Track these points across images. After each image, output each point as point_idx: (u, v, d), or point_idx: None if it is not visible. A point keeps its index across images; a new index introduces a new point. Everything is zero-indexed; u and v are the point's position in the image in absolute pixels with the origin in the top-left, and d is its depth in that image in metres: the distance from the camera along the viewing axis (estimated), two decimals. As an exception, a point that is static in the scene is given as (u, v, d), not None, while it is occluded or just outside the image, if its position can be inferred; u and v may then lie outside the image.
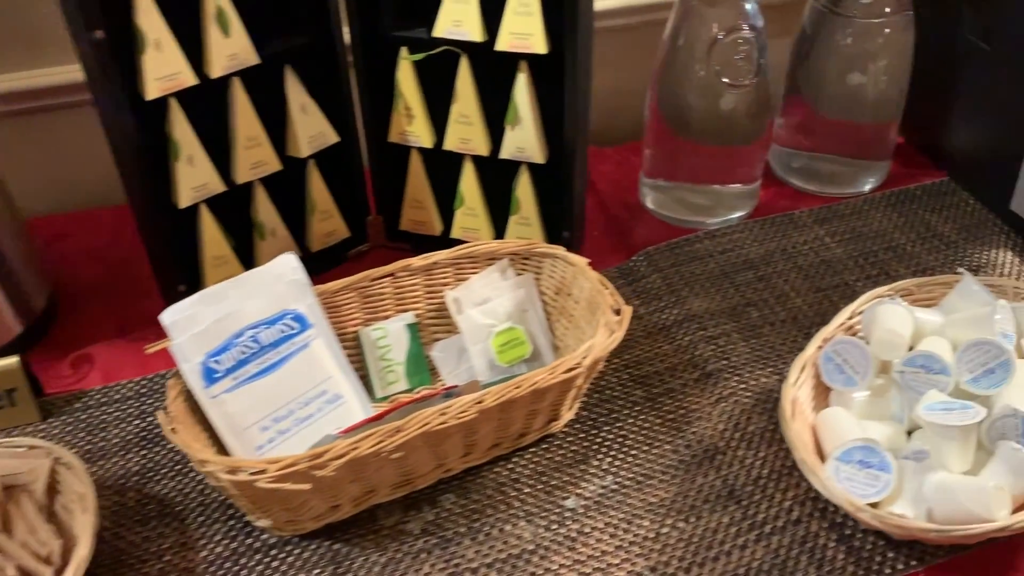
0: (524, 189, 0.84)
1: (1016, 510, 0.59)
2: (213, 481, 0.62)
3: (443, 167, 0.86)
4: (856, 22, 0.88)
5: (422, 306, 0.76)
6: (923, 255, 0.88)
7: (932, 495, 0.58)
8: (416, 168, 0.86)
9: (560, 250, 0.76)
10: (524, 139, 0.80)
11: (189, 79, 0.72)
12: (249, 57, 0.75)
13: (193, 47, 0.72)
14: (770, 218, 0.93)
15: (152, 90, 0.71)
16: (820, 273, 0.86)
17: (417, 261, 0.75)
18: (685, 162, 0.91)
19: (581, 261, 0.74)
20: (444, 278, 0.76)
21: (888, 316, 0.68)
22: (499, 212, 0.87)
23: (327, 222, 0.87)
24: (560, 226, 0.85)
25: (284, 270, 0.69)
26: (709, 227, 0.92)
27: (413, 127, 0.83)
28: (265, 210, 0.82)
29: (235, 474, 0.58)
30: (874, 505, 0.60)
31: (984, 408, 0.62)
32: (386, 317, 0.75)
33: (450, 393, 0.64)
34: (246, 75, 0.76)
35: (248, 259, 0.84)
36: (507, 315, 0.75)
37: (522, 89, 0.78)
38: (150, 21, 0.68)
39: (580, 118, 0.78)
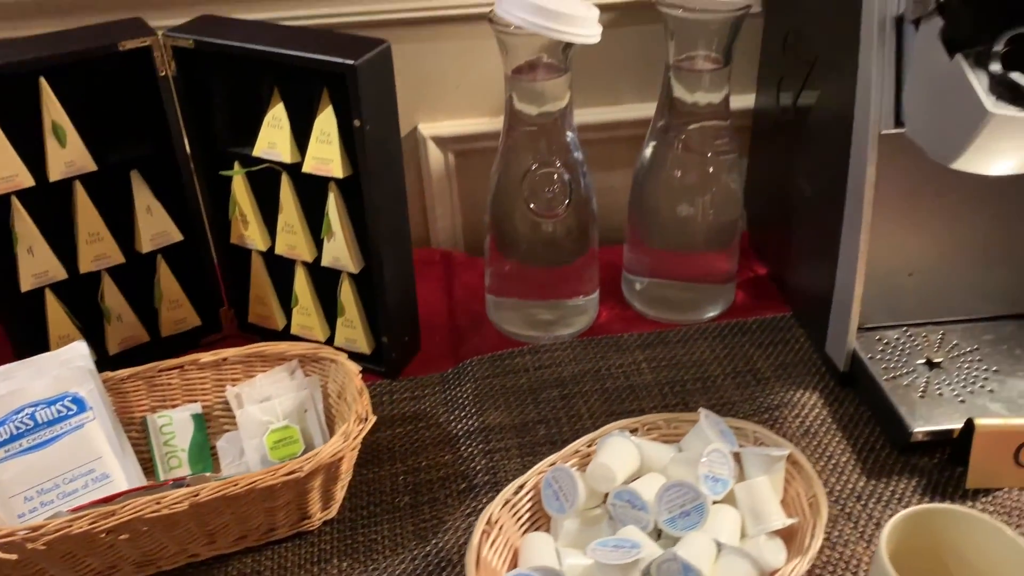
0: (347, 295, 0.90)
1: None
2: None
3: (279, 269, 0.93)
4: (685, 156, 0.92)
5: (212, 398, 0.83)
6: (729, 390, 0.89)
7: (575, 630, 0.60)
8: (257, 267, 0.94)
9: (341, 356, 0.81)
10: (338, 250, 0.87)
11: (27, 181, 0.82)
12: (87, 164, 0.84)
13: (33, 153, 0.82)
14: (597, 339, 0.96)
15: (-10, 189, 0.81)
16: (622, 398, 0.89)
17: (206, 357, 0.82)
18: (514, 281, 0.96)
19: (353, 369, 0.79)
20: (234, 374, 0.83)
21: (608, 450, 0.71)
22: (330, 313, 0.94)
23: (176, 311, 0.95)
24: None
25: (72, 356, 0.77)
26: (541, 342, 0.96)
27: (249, 232, 0.91)
28: (112, 297, 0.91)
29: (-43, 539, 0.65)
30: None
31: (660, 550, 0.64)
32: (175, 406, 0.82)
33: (179, 483, 0.70)
34: (89, 178, 0.85)
35: (98, 339, 0.92)
36: (286, 414, 0.81)
37: (332, 206, 0.85)
38: (-14, 134, 0.79)
39: (382, 236, 0.84)
